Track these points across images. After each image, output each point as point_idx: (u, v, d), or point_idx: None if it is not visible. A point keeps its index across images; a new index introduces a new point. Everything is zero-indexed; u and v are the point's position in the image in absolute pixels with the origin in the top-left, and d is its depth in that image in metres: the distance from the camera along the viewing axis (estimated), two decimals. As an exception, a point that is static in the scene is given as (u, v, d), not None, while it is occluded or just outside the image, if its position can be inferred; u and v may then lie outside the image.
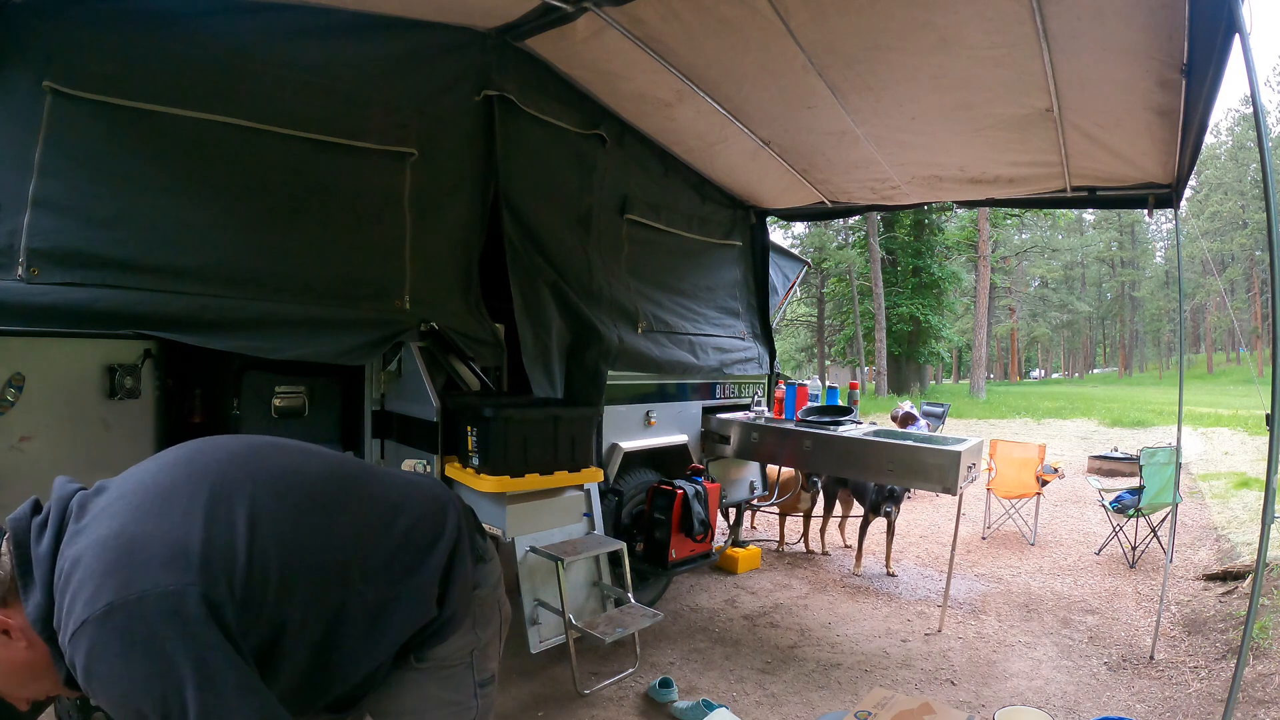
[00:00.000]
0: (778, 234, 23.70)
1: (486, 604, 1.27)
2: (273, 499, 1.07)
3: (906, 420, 7.16)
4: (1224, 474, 8.52)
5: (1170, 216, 3.65)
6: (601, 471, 3.54)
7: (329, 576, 1.08)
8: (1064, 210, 16.59)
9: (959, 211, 23.29)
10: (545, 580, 3.00)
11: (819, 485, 5.23)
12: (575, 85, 3.43)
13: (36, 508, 1.03)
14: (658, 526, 3.65)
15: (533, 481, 2.71)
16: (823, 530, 5.66)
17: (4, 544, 0.99)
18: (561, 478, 2.83)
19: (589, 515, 3.42)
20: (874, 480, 4.60)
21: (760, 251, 4.99)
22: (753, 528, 5.96)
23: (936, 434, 6.47)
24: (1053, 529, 6.28)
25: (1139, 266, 52.37)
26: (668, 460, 4.08)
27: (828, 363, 31.32)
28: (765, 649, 3.56)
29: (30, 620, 0.96)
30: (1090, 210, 25.62)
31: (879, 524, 5.01)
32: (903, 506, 6.45)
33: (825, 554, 5.39)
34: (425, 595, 1.16)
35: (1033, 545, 5.73)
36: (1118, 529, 5.33)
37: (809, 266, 6.80)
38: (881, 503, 4.76)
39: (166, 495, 1.02)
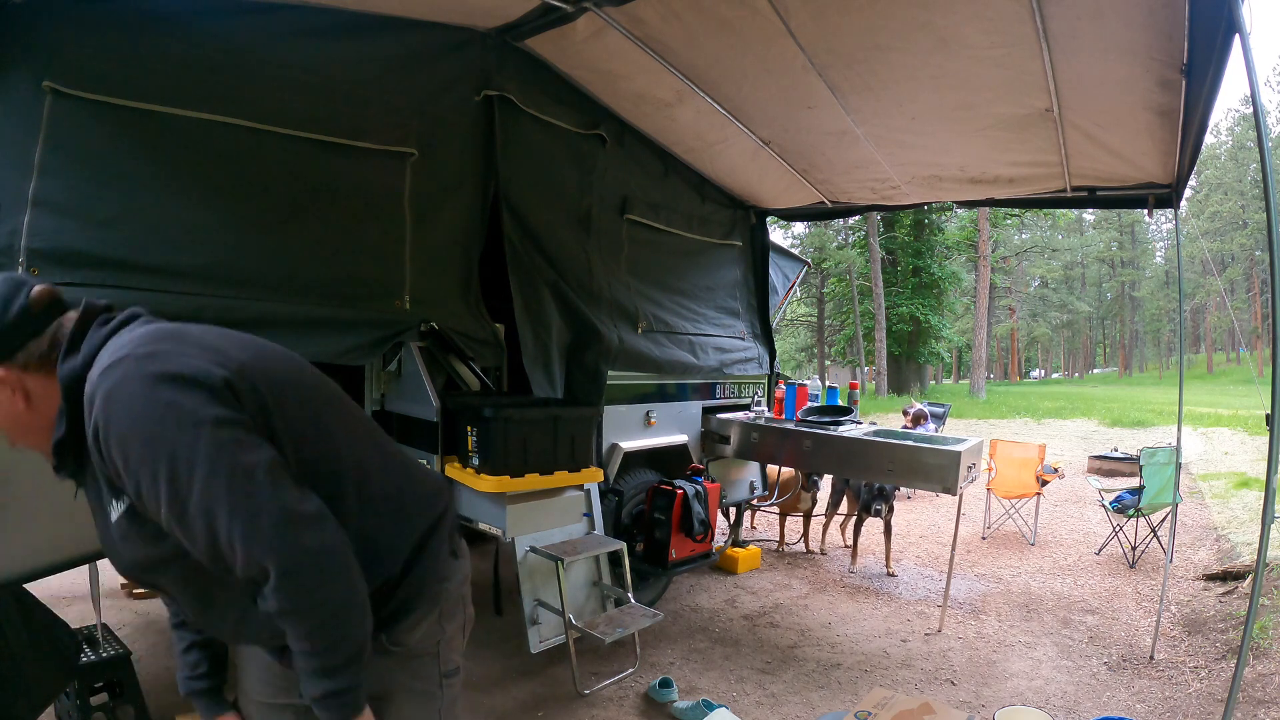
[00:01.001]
0: (778, 234, 23.71)
1: (453, 599, 1.28)
2: (312, 380, 1.17)
3: (918, 419, 7.16)
4: (1224, 474, 8.52)
5: (1170, 216, 3.65)
6: (601, 471, 3.54)
7: (337, 474, 1.12)
8: (1064, 210, 16.59)
9: (959, 211, 23.29)
10: (545, 580, 3.00)
11: (819, 485, 5.23)
12: (575, 85, 3.43)
13: (110, 308, 1.11)
14: (658, 526, 3.65)
15: (533, 481, 2.71)
16: (824, 529, 5.67)
17: (72, 313, 1.07)
18: (561, 478, 2.83)
19: (589, 515, 3.42)
20: (874, 480, 4.60)
21: (760, 251, 4.99)
22: (753, 528, 5.96)
23: (936, 434, 6.47)
24: (1053, 529, 6.28)
25: (1139, 266, 52.36)
26: (668, 460, 4.08)
27: (828, 363, 31.32)
28: (765, 649, 3.56)
29: (60, 379, 1.02)
30: (1090, 210, 25.62)
31: (877, 524, 5.01)
32: (903, 506, 6.48)
33: (823, 553, 5.40)
34: (398, 550, 1.17)
35: (1033, 545, 5.73)
36: (1118, 529, 5.33)
37: (809, 266, 6.80)
38: (871, 501, 4.76)
39: (226, 332, 1.12)
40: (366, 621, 1.06)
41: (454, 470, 2.76)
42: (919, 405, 7.63)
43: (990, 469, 6.11)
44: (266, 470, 0.97)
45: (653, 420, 3.96)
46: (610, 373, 3.51)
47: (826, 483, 5.55)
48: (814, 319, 32.36)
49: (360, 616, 1.05)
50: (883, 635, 3.78)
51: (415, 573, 1.19)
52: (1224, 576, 4.53)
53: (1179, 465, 4.03)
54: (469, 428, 2.67)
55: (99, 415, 0.96)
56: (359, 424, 1.22)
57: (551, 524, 3.02)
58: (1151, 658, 3.48)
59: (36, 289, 1.05)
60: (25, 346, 1.03)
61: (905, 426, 6.90)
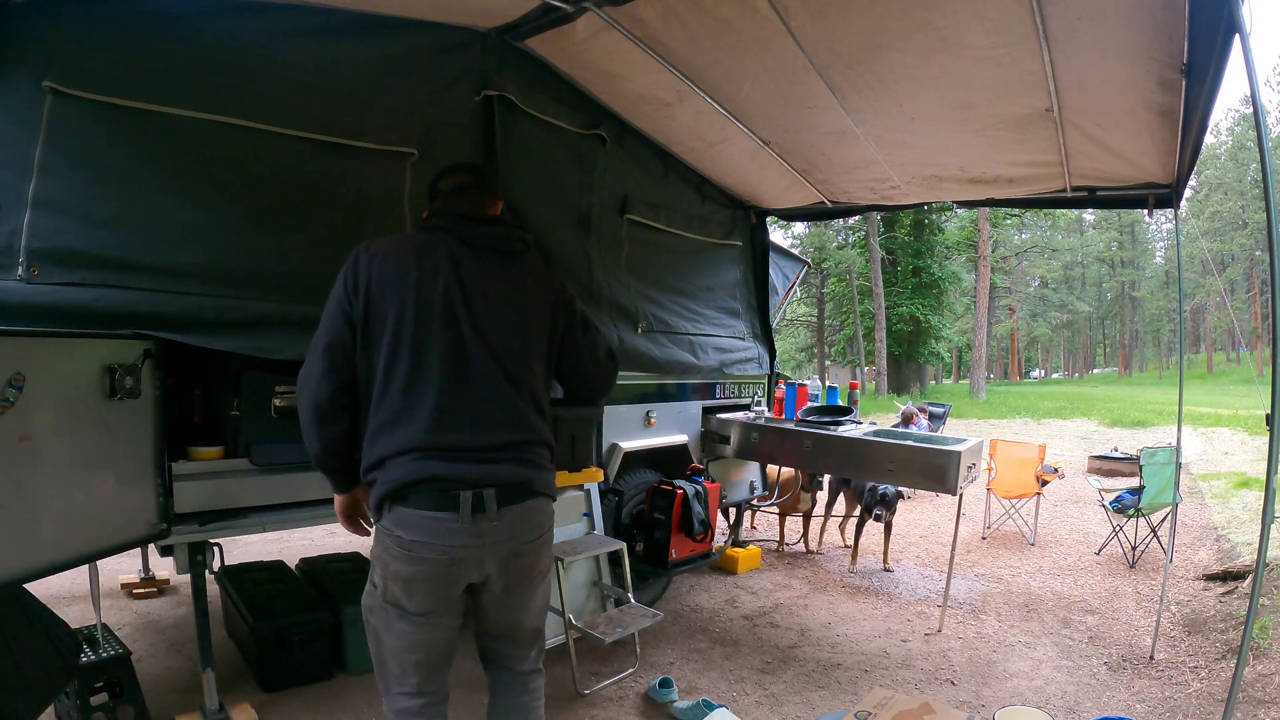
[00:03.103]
0: (778, 234, 23.70)
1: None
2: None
3: (908, 418, 7.20)
4: (1224, 474, 8.53)
5: (1170, 216, 3.65)
6: (601, 471, 3.54)
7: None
8: (1064, 210, 16.58)
9: (959, 211, 23.30)
10: (545, 580, 3.00)
11: (822, 484, 5.24)
12: (575, 85, 3.43)
13: None
14: (658, 526, 3.65)
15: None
16: (822, 529, 5.67)
17: None
18: (561, 478, 2.83)
19: (589, 515, 3.42)
20: (874, 480, 4.61)
21: (760, 251, 4.99)
22: (753, 528, 5.96)
23: (937, 434, 6.48)
24: (1053, 529, 6.28)
25: (1139, 266, 52.37)
26: (668, 460, 4.08)
27: (828, 363, 31.32)
28: (765, 649, 3.56)
29: None
30: (1090, 210, 25.60)
31: (877, 524, 5.01)
32: (903, 506, 6.48)
33: (819, 552, 5.40)
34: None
35: (1033, 545, 5.73)
36: (1118, 529, 5.33)
37: (809, 266, 6.80)
38: (873, 505, 4.77)
39: None
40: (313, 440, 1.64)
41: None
42: (907, 406, 7.69)
43: (990, 469, 6.11)
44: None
45: (653, 420, 3.96)
46: (610, 373, 3.50)
47: (826, 482, 5.55)
48: (814, 319, 32.36)
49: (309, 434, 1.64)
50: (883, 635, 3.78)
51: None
52: (1224, 576, 4.53)
53: (1179, 465, 4.03)
54: (469, 428, 2.67)
55: None
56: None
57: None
58: (1151, 658, 3.48)
59: None
60: None
61: (895, 425, 6.93)
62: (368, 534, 1.80)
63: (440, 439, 1.57)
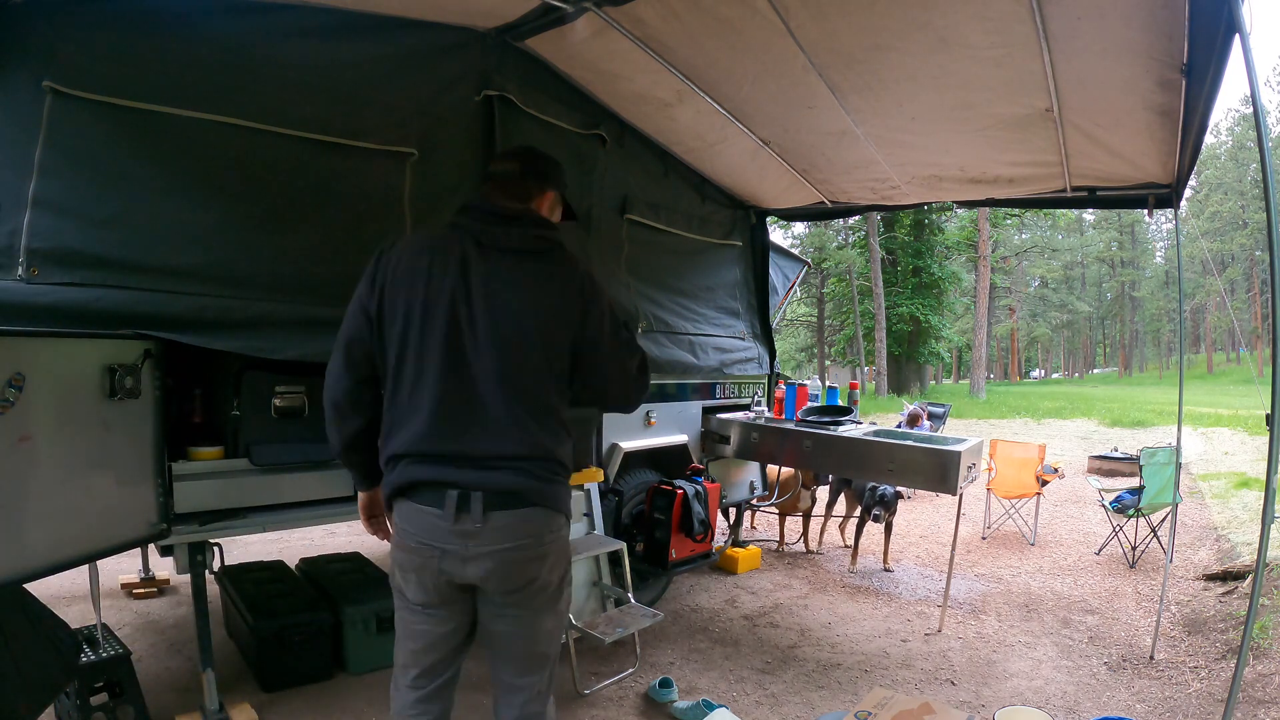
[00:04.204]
0: (778, 234, 23.70)
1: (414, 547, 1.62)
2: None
3: (914, 419, 7.17)
4: (1224, 474, 8.53)
5: (1170, 216, 3.65)
6: (601, 471, 3.54)
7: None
8: (1064, 210, 16.58)
9: (959, 211, 23.30)
10: (545, 580, 2.99)
11: (827, 481, 5.24)
12: (575, 85, 3.43)
13: None
14: (658, 526, 3.65)
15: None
16: (822, 529, 5.67)
17: None
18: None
19: (589, 515, 3.42)
20: (874, 480, 4.61)
21: (760, 251, 4.99)
22: (753, 528, 5.96)
23: (937, 434, 6.47)
24: (1053, 529, 6.28)
25: (1139, 266, 52.38)
26: (668, 460, 4.08)
27: (828, 363, 31.32)
28: (765, 649, 3.56)
29: None
30: (1090, 210, 25.61)
31: (876, 525, 5.02)
32: (903, 506, 6.47)
33: (818, 552, 5.40)
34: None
35: (1033, 545, 5.73)
36: (1118, 529, 5.33)
37: (809, 266, 6.80)
38: (873, 506, 4.77)
39: None
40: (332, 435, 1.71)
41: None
42: (912, 406, 7.66)
43: (990, 469, 6.11)
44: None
45: (653, 420, 3.96)
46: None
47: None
48: (814, 319, 32.36)
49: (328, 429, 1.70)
50: (883, 635, 3.78)
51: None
52: (1224, 576, 4.53)
53: (1179, 465, 4.03)
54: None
55: None
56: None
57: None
58: (1151, 658, 3.48)
59: None
60: None
61: (900, 424, 6.92)
62: (388, 535, 1.77)
63: (436, 445, 1.57)
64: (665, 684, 2.97)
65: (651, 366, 3.80)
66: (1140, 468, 5.40)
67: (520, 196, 1.73)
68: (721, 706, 2.77)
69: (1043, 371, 63.82)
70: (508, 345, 1.59)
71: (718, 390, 4.48)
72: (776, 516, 5.62)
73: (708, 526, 3.73)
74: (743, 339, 4.72)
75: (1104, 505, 5.51)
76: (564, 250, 1.73)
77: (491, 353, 1.58)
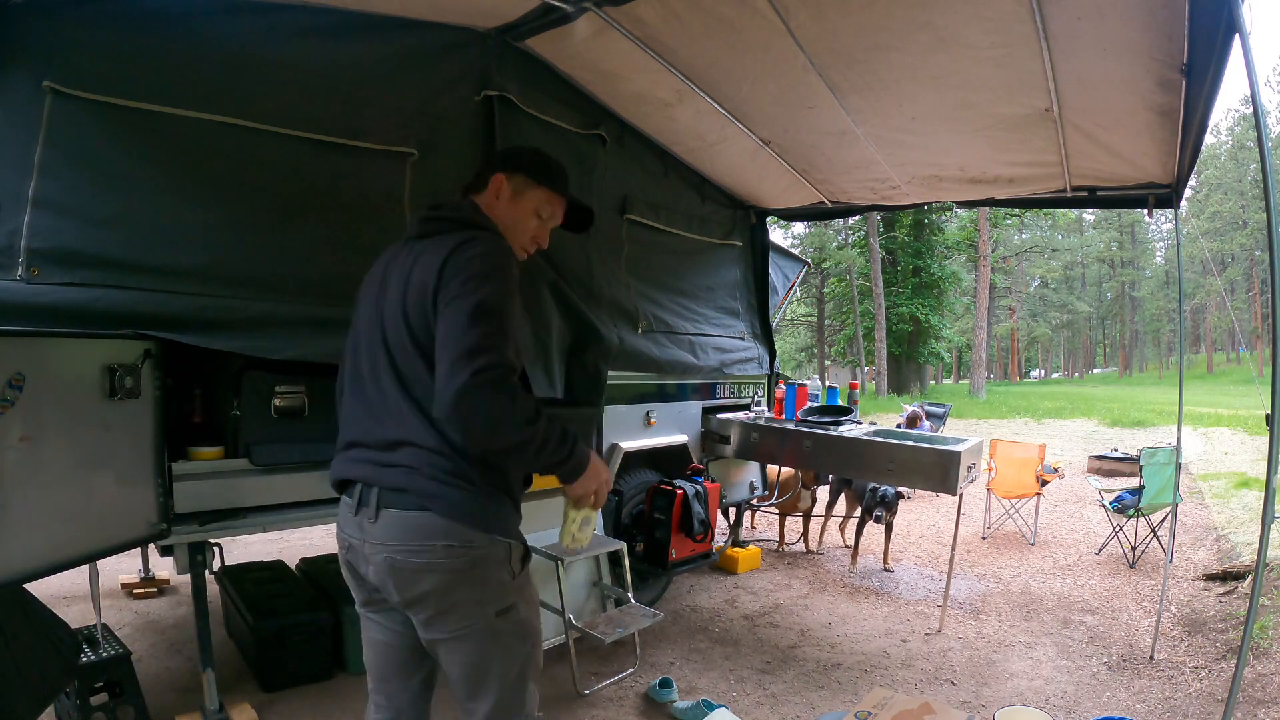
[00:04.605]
0: (778, 234, 23.71)
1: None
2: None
3: (913, 420, 7.18)
4: (1224, 474, 8.53)
5: (1170, 216, 3.65)
6: (601, 471, 3.53)
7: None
8: (1064, 210, 16.57)
9: (959, 211, 23.30)
10: (545, 580, 3.00)
11: (828, 481, 5.24)
12: (575, 85, 3.43)
13: None
14: (658, 526, 3.65)
15: (532, 481, 2.70)
16: (822, 529, 5.67)
17: None
18: (562, 478, 2.83)
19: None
20: (875, 480, 4.61)
21: (760, 251, 4.99)
22: (753, 528, 5.96)
23: (937, 434, 6.47)
24: (1053, 529, 6.28)
25: (1139, 266, 52.38)
26: (668, 460, 4.08)
27: (828, 363, 31.32)
28: (765, 649, 3.56)
29: None
30: (1090, 210, 25.61)
31: (876, 525, 5.01)
32: (903, 506, 6.47)
33: (820, 552, 5.40)
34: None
35: (1033, 545, 5.73)
36: (1118, 529, 5.33)
37: (809, 266, 6.80)
38: (873, 507, 4.77)
39: None
40: None
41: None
42: (911, 408, 7.66)
43: (990, 469, 6.11)
44: None
45: (653, 420, 3.96)
46: (610, 373, 3.50)
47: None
48: (814, 319, 32.36)
49: None
50: (883, 635, 3.78)
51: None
52: (1224, 576, 4.53)
53: (1179, 465, 4.03)
54: (469, 428, 2.67)
55: None
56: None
57: (551, 524, 3.02)
58: (1151, 658, 3.48)
59: None
60: None
61: (899, 425, 6.92)
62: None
63: (347, 438, 1.60)
64: (665, 684, 2.97)
65: (651, 366, 3.86)
66: (1140, 468, 5.40)
67: (467, 189, 1.74)
68: (721, 706, 2.77)
69: (1043, 371, 63.83)
70: (395, 333, 1.49)
71: (718, 390, 4.48)
72: (776, 516, 5.62)
73: (708, 526, 3.73)
74: (743, 339, 4.72)
75: (1104, 505, 5.51)
76: (457, 228, 1.55)
77: (383, 342, 1.52)
